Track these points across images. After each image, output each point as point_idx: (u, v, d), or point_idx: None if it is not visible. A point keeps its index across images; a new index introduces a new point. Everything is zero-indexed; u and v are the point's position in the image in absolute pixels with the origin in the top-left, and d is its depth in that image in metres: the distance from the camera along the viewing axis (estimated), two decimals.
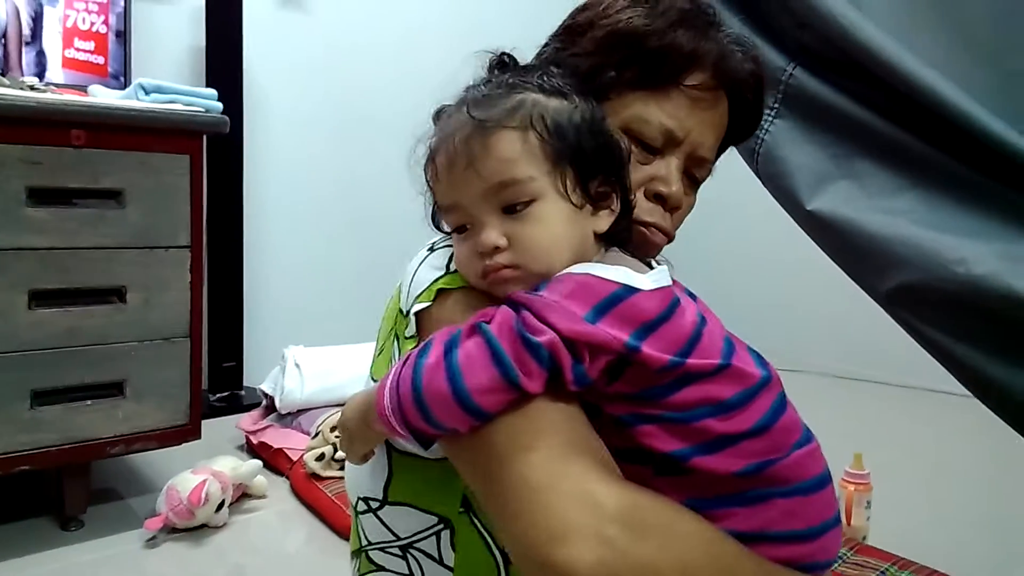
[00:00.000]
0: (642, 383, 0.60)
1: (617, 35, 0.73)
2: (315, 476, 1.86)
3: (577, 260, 0.63)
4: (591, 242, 0.66)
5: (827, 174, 0.98)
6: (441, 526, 0.73)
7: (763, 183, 1.08)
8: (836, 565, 1.45)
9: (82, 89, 1.89)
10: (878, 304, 1.02)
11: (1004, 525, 1.89)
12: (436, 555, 0.73)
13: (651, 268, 0.65)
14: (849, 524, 1.64)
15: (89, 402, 1.62)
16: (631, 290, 0.59)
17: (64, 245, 1.56)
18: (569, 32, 0.77)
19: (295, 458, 1.98)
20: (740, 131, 0.82)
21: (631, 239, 0.70)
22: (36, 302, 1.54)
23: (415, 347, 0.62)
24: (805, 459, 0.64)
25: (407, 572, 0.76)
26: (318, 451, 1.89)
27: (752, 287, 3.41)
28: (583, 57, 0.74)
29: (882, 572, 1.49)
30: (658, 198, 0.74)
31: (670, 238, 0.76)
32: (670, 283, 0.63)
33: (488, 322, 0.59)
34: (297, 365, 2.24)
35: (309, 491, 1.85)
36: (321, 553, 1.66)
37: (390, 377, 0.60)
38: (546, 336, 0.55)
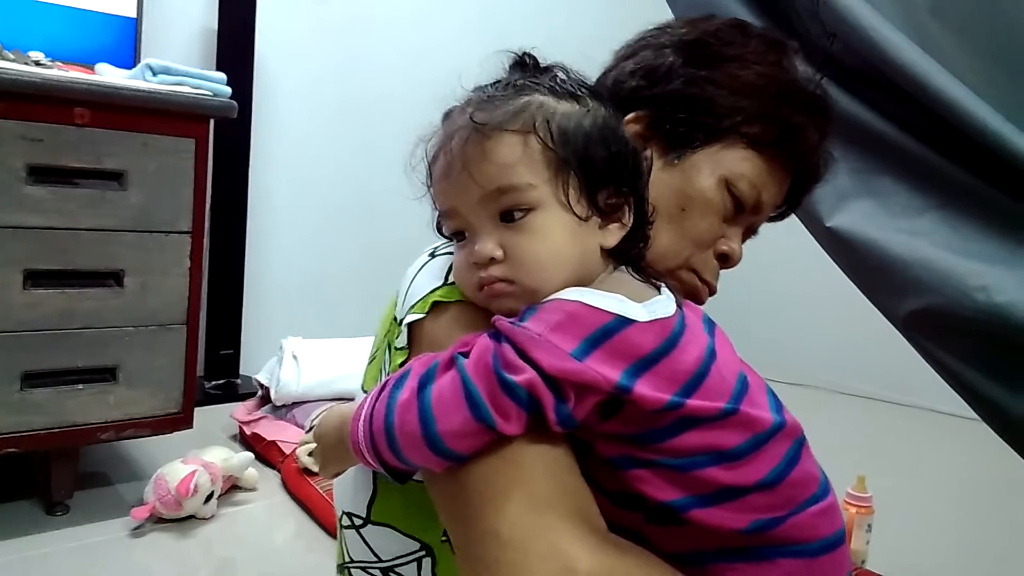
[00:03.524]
0: (638, 424, 0.54)
1: (761, 88, 0.71)
2: (307, 471, 1.83)
3: (578, 277, 0.58)
4: (596, 258, 0.60)
5: (849, 191, 0.95)
6: (423, 553, 0.69)
7: None
8: None
9: (89, 67, 1.86)
10: (895, 327, 0.99)
11: (1007, 552, 1.86)
12: None
13: (659, 292, 0.59)
14: (848, 547, 1.61)
15: (81, 386, 1.59)
16: (625, 322, 0.53)
17: (63, 225, 1.53)
18: (697, 49, 0.73)
19: (288, 451, 1.95)
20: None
21: (644, 255, 0.65)
22: (31, 282, 1.51)
23: (401, 363, 0.59)
24: (817, 518, 0.58)
25: None
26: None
27: (760, 301, 3.38)
28: (712, 86, 0.71)
29: None
30: (721, 258, 0.73)
31: (713, 294, 0.75)
32: (671, 312, 0.57)
33: (467, 353, 0.54)
34: (294, 357, 2.22)
35: (300, 486, 1.82)
36: (309, 549, 1.63)
37: (365, 407, 0.56)
38: (524, 376, 0.51)
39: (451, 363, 0.54)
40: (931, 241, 0.91)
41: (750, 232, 0.77)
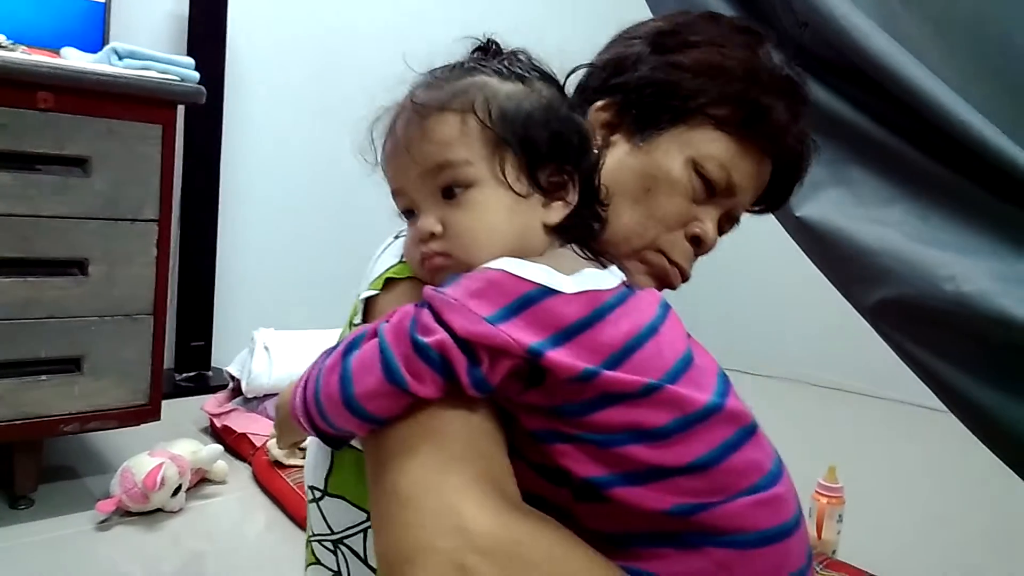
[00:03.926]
0: (559, 396, 0.54)
1: (728, 69, 0.70)
2: (278, 463, 1.81)
3: (516, 253, 0.58)
4: (539, 235, 0.60)
5: (819, 180, 0.94)
6: (369, 524, 0.69)
7: None
8: None
9: (55, 51, 1.82)
10: (863, 316, 0.99)
11: (976, 542, 1.88)
12: (362, 553, 0.70)
13: (602, 268, 0.59)
14: (820, 538, 1.62)
15: (44, 377, 1.56)
16: (547, 292, 0.53)
17: (25, 212, 1.50)
18: (667, 38, 0.73)
19: (259, 444, 1.93)
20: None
21: (597, 235, 0.65)
22: None
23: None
24: (754, 508, 0.55)
25: (336, 569, 0.73)
26: None
27: (734, 293, 3.40)
28: (678, 70, 0.71)
29: None
30: (694, 240, 0.72)
31: (686, 279, 0.74)
32: (606, 287, 0.56)
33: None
34: (266, 348, 2.19)
35: (271, 479, 1.80)
36: (279, 542, 1.62)
37: (305, 374, 0.57)
38: (435, 337, 0.51)
39: (376, 330, 0.54)
40: (900, 231, 0.91)
41: (729, 220, 0.76)
